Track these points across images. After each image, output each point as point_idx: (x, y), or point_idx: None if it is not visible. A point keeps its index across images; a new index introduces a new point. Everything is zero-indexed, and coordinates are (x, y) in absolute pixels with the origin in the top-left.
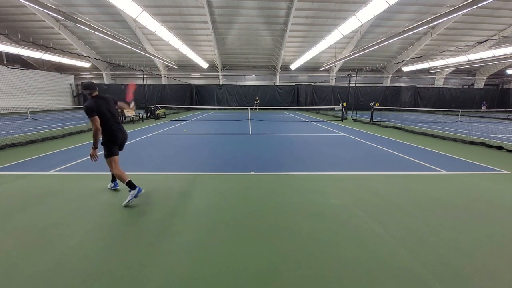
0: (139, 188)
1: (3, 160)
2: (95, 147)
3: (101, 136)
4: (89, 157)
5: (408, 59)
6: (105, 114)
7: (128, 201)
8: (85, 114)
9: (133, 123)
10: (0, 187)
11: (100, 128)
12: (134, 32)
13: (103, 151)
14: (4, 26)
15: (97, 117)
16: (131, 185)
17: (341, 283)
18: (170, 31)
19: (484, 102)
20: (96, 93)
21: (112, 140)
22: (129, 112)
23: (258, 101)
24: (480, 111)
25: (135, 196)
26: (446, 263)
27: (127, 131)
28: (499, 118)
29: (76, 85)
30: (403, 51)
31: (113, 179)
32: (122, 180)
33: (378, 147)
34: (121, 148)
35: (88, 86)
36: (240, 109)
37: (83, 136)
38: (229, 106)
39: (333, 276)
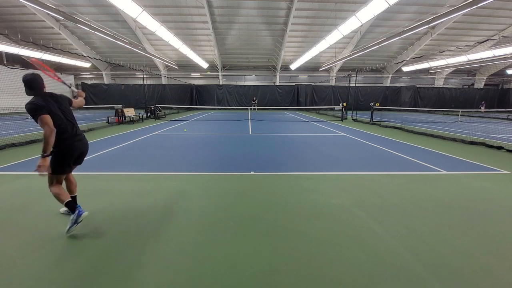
0: (80, 210)
1: (3, 160)
2: (46, 154)
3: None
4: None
5: (408, 59)
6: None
7: (69, 228)
8: (33, 116)
9: (133, 123)
10: (0, 187)
11: (54, 128)
12: (134, 32)
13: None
14: (4, 26)
15: (47, 116)
16: (70, 207)
17: (341, 283)
18: (170, 31)
19: (483, 102)
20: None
21: (64, 153)
22: (129, 112)
23: (255, 101)
24: (480, 111)
25: (76, 222)
26: (446, 263)
27: (124, 132)
28: (499, 118)
29: (76, 85)
30: (403, 51)
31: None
32: (60, 200)
33: (378, 147)
34: (79, 161)
35: (30, 84)
36: (240, 109)
37: None
38: (229, 106)
39: (333, 276)
